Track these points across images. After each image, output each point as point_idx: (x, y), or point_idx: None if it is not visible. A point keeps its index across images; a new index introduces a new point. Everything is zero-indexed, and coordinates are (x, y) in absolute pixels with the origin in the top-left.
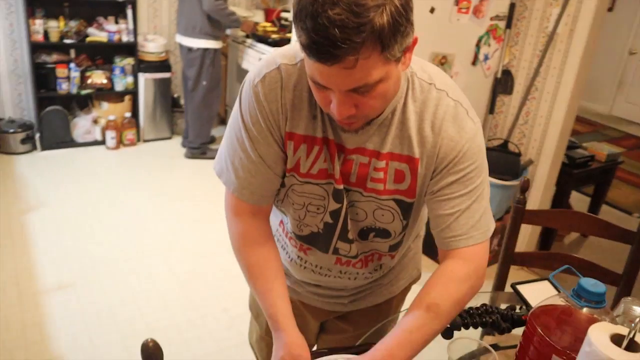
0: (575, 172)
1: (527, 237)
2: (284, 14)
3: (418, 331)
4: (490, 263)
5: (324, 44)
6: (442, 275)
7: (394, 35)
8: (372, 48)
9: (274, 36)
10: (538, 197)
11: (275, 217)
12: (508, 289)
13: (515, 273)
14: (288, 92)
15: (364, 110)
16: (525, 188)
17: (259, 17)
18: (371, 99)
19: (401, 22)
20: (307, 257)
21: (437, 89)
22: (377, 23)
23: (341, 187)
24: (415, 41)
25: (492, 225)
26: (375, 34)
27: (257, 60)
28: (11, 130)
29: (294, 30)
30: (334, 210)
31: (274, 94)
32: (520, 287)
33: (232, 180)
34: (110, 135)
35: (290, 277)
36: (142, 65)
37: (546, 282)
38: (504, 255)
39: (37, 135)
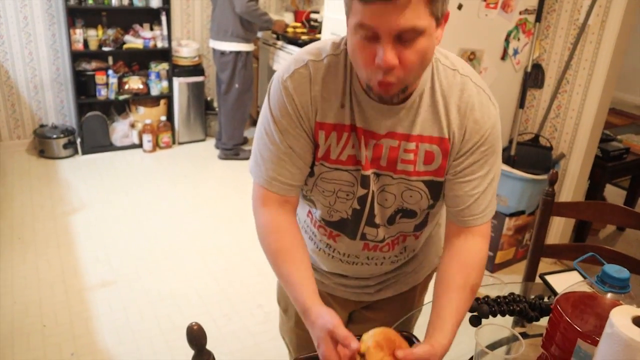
0: (609, 165)
1: (561, 231)
2: (313, 15)
3: (463, 313)
4: (522, 258)
5: None
6: (476, 255)
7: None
8: None
9: (304, 37)
10: (571, 191)
11: (303, 209)
12: (538, 280)
13: (547, 266)
14: (317, 85)
15: (406, 65)
16: (553, 180)
17: (288, 19)
18: (413, 53)
19: None
20: (336, 245)
21: (461, 75)
22: None
23: (368, 172)
24: (447, 16)
25: (496, 203)
26: None
27: None
28: (54, 136)
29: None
30: (362, 197)
31: (303, 87)
32: (548, 277)
33: (261, 173)
34: (147, 138)
35: (317, 270)
36: (177, 70)
37: (575, 272)
38: (534, 247)
39: (78, 140)
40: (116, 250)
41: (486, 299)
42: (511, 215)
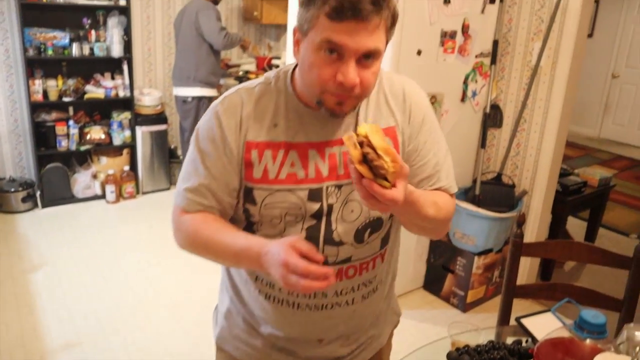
0: (569, 199)
1: (528, 267)
2: (274, 61)
3: (428, 197)
4: (493, 295)
5: (360, 1)
6: (438, 194)
7: (395, 23)
8: (386, 21)
9: None
10: (535, 226)
11: (251, 276)
12: (513, 322)
13: (519, 303)
14: (248, 107)
15: (364, 84)
16: (521, 222)
17: (251, 65)
18: (370, 74)
19: (397, 19)
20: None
21: (385, 73)
22: (393, 3)
23: (321, 185)
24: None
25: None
26: (391, 10)
27: None
28: (12, 190)
29: (301, 10)
30: (314, 213)
31: (233, 110)
32: (524, 321)
33: (180, 195)
34: (110, 189)
35: (281, 350)
36: (139, 119)
37: (550, 314)
38: (506, 289)
39: (38, 193)
40: (80, 308)
41: (466, 349)
42: (479, 253)
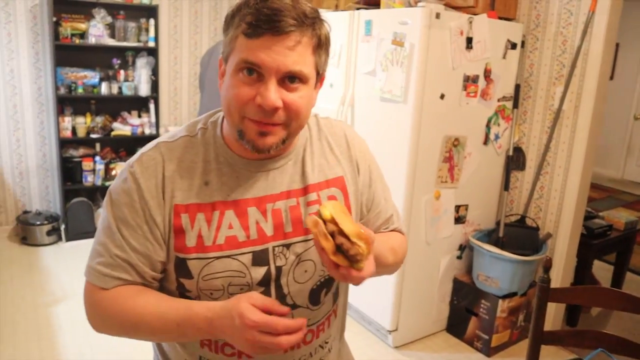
0: (594, 242)
1: (554, 312)
2: None
3: (388, 243)
4: (518, 339)
5: (278, 14)
6: (393, 235)
7: (325, 47)
8: (309, 40)
9: None
10: (560, 270)
11: (192, 343)
12: None
13: (545, 349)
14: (171, 164)
15: (290, 107)
16: (548, 267)
17: None
18: (297, 97)
19: (329, 45)
20: None
21: (322, 118)
22: (318, 26)
23: (266, 246)
24: (323, 80)
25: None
26: (316, 31)
27: None
28: (38, 223)
29: (224, 37)
30: (262, 279)
31: (152, 169)
32: None
33: (93, 270)
34: None
35: None
36: None
37: None
38: (534, 336)
39: (63, 227)
40: (101, 345)
41: None
42: (504, 297)
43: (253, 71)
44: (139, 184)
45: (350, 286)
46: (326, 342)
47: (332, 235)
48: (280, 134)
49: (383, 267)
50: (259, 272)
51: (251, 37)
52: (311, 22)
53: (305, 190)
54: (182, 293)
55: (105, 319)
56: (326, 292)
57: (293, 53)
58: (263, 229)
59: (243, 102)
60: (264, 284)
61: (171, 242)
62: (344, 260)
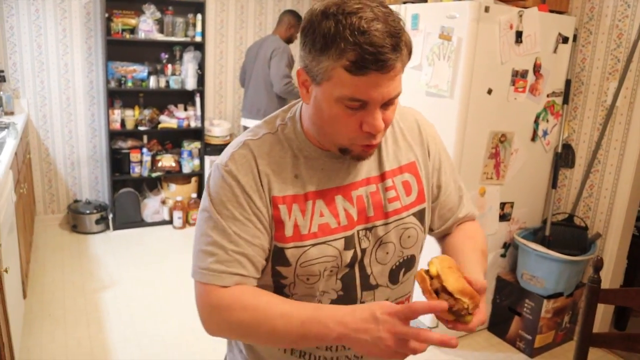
0: None
1: (602, 314)
2: None
3: (483, 268)
4: (563, 341)
5: (382, 52)
6: (473, 229)
7: (411, 53)
8: (404, 59)
9: None
10: (610, 272)
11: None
12: None
13: (594, 353)
14: (262, 159)
15: (387, 124)
16: (599, 267)
17: None
18: (391, 112)
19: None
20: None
21: (401, 106)
22: (406, 36)
23: (352, 232)
24: None
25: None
26: (408, 47)
27: None
28: (87, 212)
29: (310, 57)
30: (349, 262)
31: (247, 165)
32: None
33: (206, 270)
34: (177, 215)
35: None
36: (208, 149)
37: None
38: (581, 337)
39: (110, 216)
40: (145, 330)
41: None
42: (549, 297)
43: (358, 103)
44: (238, 180)
45: None
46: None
47: (437, 292)
48: (380, 141)
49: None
50: (347, 255)
51: (356, 74)
52: (403, 42)
53: (382, 177)
54: (277, 281)
55: (226, 318)
56: (405, 271)
57: (395, 80)
58: (351, 215)
59: (351, 131)
60: (350, 265)
61: (272, 232)
62: (450, 315)
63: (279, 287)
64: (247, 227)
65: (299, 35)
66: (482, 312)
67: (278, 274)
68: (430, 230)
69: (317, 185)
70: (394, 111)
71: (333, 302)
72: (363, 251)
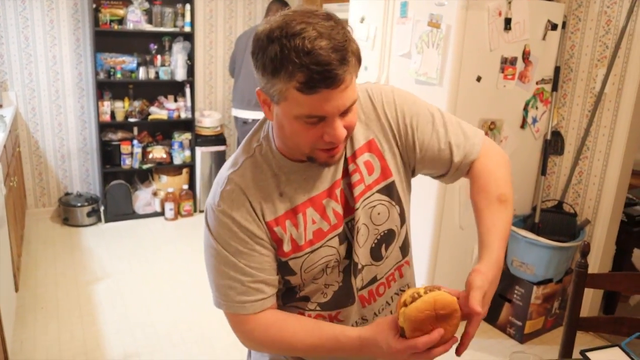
0: (635, 230)
1: (591, 299)
2: None
3: (501, 224)
4: (553, 327)
5: (329, 69)
6: (486, 172)
7: (360, 60)
8: (353, 69)
9: None
10: (598, 258)
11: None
12: (575, 355)
13: (580, 337)
14: (250, 190)
15: (350, 128)
16: (586, 252)
17: None
18: (352, 115)
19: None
20: (344, 325)
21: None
22: (353, 46)
23: (341, 228)
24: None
25: (477, 128)
26: (356, 55)
27: None
28: (79, 204)
29: (264, 79)
30: (346, 252)
31: (238, 201)
32: (590, 355)
33: (230, 303)
34: (169, 206)
35: None
36: (199, 140)
37: (617, 349)
38: (569, 321)
39: (102, 208)
40: (138, 321)
41: None
42: (538, 283)
43: (315, 118)
44: (233, 217)
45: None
46: (402, 289)
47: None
48: (344, 145)
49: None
50: (343, 249)
51: (307, 94)
52: (350, 53)
53: (351, 159)
54: (287, 285)
55: (260, 347)
56: (386, 246)
57: (348, 90)
58: (338, 212)
59: (312, 141)
60: (348, 256)
61: (275, 251)
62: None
63: (290, 289)
64: (254, 256)
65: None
66: (466, 337)
67: (287, 282)
68: (444, 176)
69: (303, 196)
70: (355, 113)
71: (335, 292)
72: (354, 238)
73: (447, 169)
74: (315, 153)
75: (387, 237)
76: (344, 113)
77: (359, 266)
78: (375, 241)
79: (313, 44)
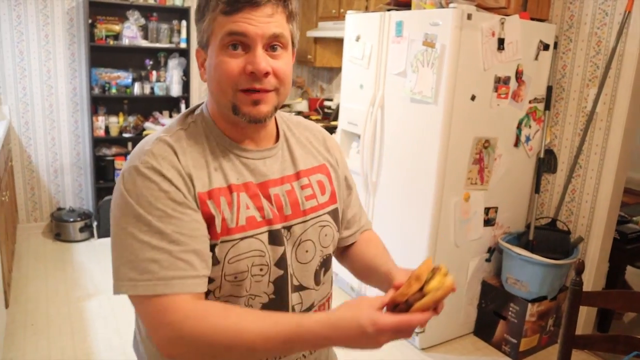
0: (628, 247)
1: (585, 316)
2: (326, 103)
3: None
4: (547, 344)
5: None
6: (372, 236)
7: (294, 18)
8: (284, 10)
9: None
10: (592, 275)
11: None
12: None
13: (577, 356)
14: (183, 155)
15: (278, 73)
16: (581, 270)
17: (303, 106)
18: (283, 64)
19: (297, 17)
20: None
21: (285, 113)
22: (289, 1)
23: (275, 227)
24: (294, 54)
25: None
26: (287, 4)
27: None
28: (71, 219)
29: (198, 26)
30: (279, 260)
31: (168, 160)
32: None
33: (150, 281)
34: None
35: None
36: None
37: None
38: (564, 339)
39: (95, 224)
40: (130, 338)
41: None
42: (533, 301)
43: (237, 45)
44: (163, 174)
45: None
46: None
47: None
48: (272, 101)
49: None
50: (276, 252)
51: (231, 13)
52: None
53: (297, 176)
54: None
55: (188, 347)
56: (325, 271)
57: (272, 19)
58: (273, 210)
59: (235, 74)
60: (282, 267)
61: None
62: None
63: (205, 294)
64: (184, 221)
65: None
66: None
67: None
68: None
69: (237, 178)
70: (287, 65)
71: (264, 305)
72: (291, 249)
73: (350, 227)
74: (238, 97)
75: (327, 262)
76: (271, 53)
77: (297, 283)
78: (320, 263)
79: None
